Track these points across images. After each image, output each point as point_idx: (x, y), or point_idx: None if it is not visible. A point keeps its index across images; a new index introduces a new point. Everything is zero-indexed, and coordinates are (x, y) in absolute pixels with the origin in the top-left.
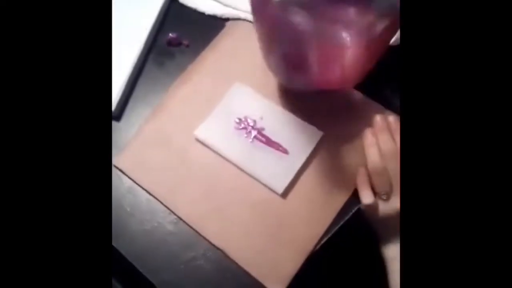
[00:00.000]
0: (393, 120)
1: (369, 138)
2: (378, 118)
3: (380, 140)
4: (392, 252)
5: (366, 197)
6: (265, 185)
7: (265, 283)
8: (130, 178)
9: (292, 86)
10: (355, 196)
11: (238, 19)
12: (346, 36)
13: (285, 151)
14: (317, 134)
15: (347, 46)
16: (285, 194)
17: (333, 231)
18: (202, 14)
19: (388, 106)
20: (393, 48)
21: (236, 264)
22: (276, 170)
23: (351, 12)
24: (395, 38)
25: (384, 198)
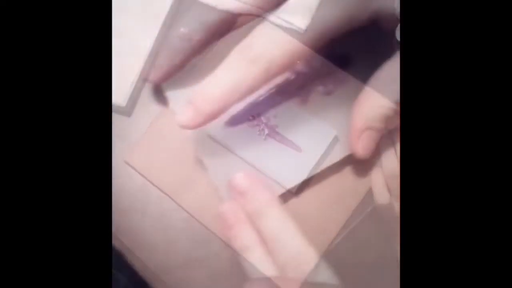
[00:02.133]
0: None
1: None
2: None
3: (397, 142)
4: None
5: (381, 198)
6: (277, 183)
7: (278, 283)
8: (142, 175)
9: None
10: (369, 196)
11: (251, 14)
12: None
13: (298, 149)
14: (331, 133)
15: None
16: (298, 193)
17: (347, 231)
18: (214, 9)
19: None
20: None
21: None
22: (289, 168)
23: None
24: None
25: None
